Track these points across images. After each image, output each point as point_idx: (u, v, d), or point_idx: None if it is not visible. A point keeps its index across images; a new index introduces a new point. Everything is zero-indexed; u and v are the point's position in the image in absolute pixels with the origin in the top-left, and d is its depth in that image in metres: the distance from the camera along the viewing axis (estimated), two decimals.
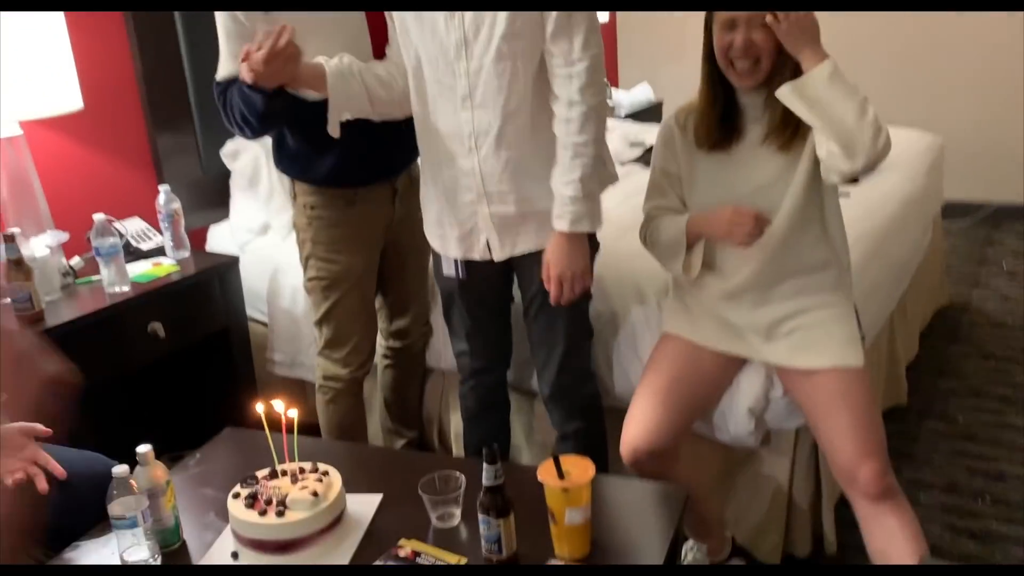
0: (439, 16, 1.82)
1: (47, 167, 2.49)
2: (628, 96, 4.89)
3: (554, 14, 1.79)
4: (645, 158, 3.33)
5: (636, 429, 1.89)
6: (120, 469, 1.56)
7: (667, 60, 5.29)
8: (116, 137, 2.76)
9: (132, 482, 1.56)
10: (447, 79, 1.86)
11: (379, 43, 2.08)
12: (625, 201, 2.75)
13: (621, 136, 3.73)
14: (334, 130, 1.95)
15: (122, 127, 2.78)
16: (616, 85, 5.29)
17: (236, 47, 1.92)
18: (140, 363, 2.40)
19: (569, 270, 1.87)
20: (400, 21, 1.93)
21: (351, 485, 1.68)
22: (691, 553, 2.06)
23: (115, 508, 1.55)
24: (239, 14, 1.97)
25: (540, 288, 1.94)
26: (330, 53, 1.95)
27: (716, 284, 1.92)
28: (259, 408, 1.63)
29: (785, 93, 1.69)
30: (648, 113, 4.78)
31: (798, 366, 1.86)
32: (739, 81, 1.78)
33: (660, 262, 1.99)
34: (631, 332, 2.23)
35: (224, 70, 2.03)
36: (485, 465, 1.47)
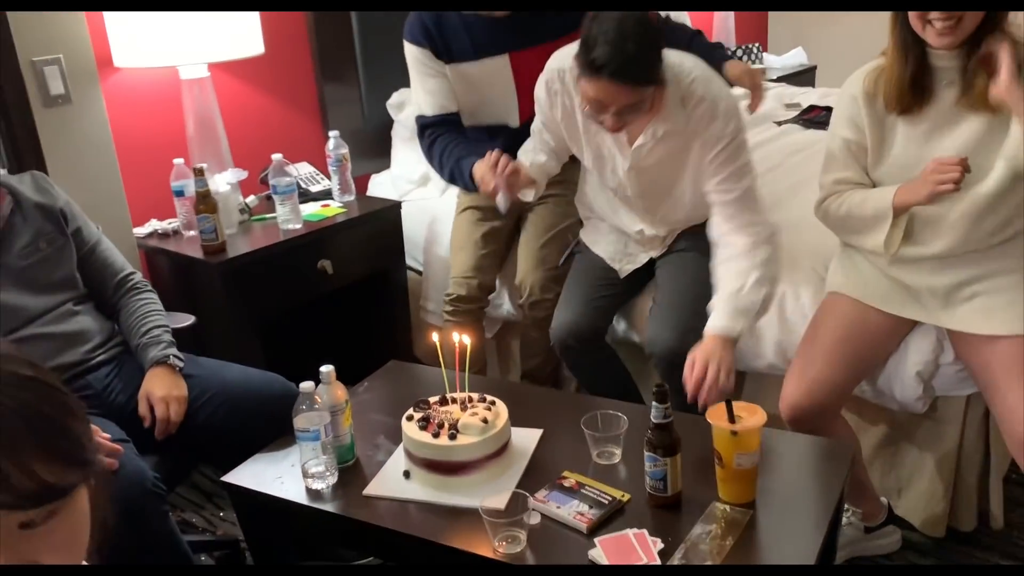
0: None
1: (228, 108, 2.64)
2: (779, 60, 4.76)
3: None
4: (803, 119, 3.23)
5: (797, 385, 1.86)
6: (307, 385, 1.66)
7: (819, 23, 5.10)
8: (290, 84, 2.91)
9: (317, 397, 1.66)
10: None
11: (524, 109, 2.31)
12: (786, 159, 2.68)
13: (775, 97, 3.62)
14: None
15: (295, 75, 2.92)
16: (766, 49, 5.14)
17: (432, 85, 2.31)
18: (309, 297, 2.53)
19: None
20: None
21: (514, 419, 1.73)
22: (845, 516, 2.02)
23: (300, 421, 1.65)
24: (430, 59, 2.29)
25: None
26: (484, 106, 2.34)
27: (909, 251, 1.85)
28: (434, 337, 1.70)
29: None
30: (800, 77, 4.63)
31: (979, 331, 1.78)
32: (937, 40, 1.68)
33: (850, 237, 1.93)
34: (782, 296, 2.18)
35: (427, 107, 2.34)
36: (654, 403, 1.49)
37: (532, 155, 2.14)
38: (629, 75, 1.73)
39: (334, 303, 2.76)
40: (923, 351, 1.95)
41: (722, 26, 4.72)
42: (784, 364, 2.16)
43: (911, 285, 1.87)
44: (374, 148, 3.16)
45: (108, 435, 1.65)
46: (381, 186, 3.10)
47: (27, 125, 2.16)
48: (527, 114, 2.27)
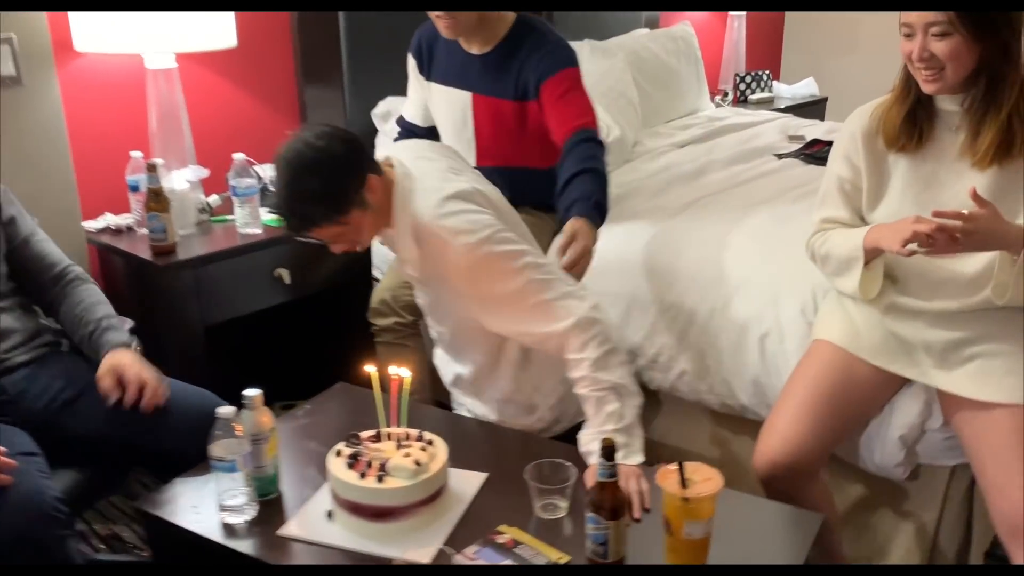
0: None
1: (195, 103, 2.51)
2: (789, 89, 4.62)
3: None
4: (804, 153, 3.08)
5: (777, 440, 1.71)
6: (226, 410, 1.52)
7: (835, 54, 4.97)
8: (264, 81, 2.77)
9: (236, 425, 1.52)
10: None
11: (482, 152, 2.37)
12: (781, 195, 2.54)
13: (779, 128, 3.49)
14: None
15: (271, 71, 2.79)
16: (777, 77, 5.00)
17: (412, 94, 2.51)
18: (263, 306, 2.39)
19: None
20: None
21: (456, 459, 1.59)
22: None
23: (216, 449, 1.51)
24: (415, 71, 2.45)
25: None
26: (450, 133, 2.40)
27: (906, 301, 1.73)
28: (369, 368, 1.56)
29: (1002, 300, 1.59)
30: (809, 108, 4.49)
31: (975, 397, 1.64)
32: (926, 86, 1.62)
33: (831, 279, 1.82)
34: (766, 339, 2.04)
35: (406, 111, 2.56)
36: (601, 459, 1.35)
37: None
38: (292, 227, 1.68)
39: (295, 313, 2.62)
40: (909, 413, 1.80)
41: (733, 52, 4.59)
42: (760, 408, 2.03)
43: (906, 339, 1.73)
44: None
45: (3, 448, 1.51)
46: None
47: None
48: (485, 159, 2.34)
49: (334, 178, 1.60)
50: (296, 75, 2.85)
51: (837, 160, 1.79)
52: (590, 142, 2.10)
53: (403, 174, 1.70)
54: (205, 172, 2.39)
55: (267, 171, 2.65)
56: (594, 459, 1.55)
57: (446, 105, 2.37)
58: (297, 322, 2.72)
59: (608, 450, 1.34)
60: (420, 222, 1.66)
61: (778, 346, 1.99)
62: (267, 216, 2.44)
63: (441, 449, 1.55)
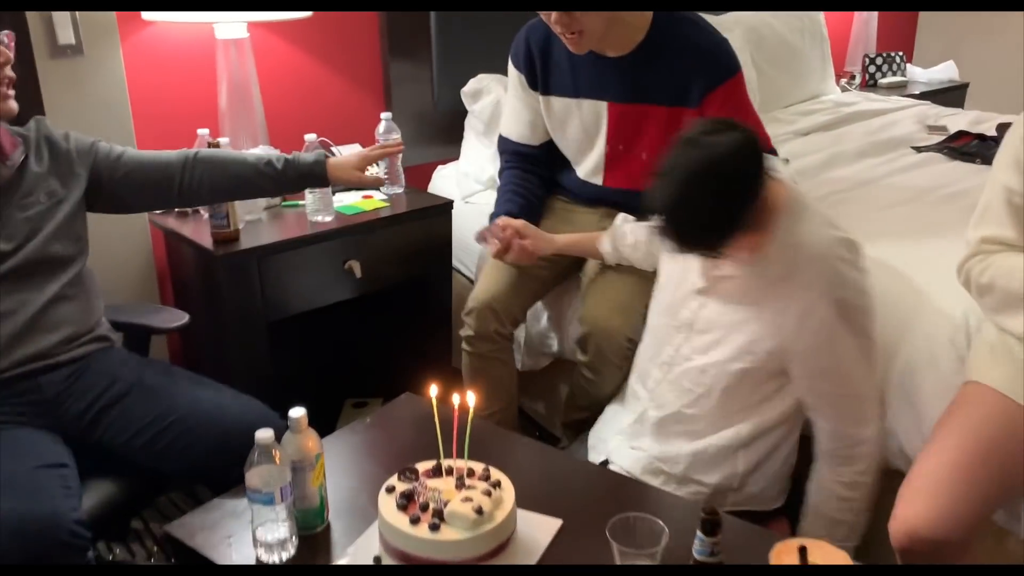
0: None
1: (268, 77, 2.33)
2: (925, 74, 4.17)
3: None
4: (948, 146, 2.70)
5: (921, 507, 1.39)
6: (264, 435, 1.31)
7: (974, 35, 4.46)
8: (347, 54, 2.57)
9: (276, 452, 1.32)
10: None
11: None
12: (923, 195, 2.20)
13: (916, 116, 3.11)
14: None
15: (355, 44, 2.58)
16: (911, 60, 4.54)
17: (518, 110, 2.12)
18: (329, 301, 2.20)
19: None
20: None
21: (527, 500, 1.36)
22: None
23: (253, 478, 1.31)
24: (524, 85, 2.07)
25: None
26: (579, 138, 2.05)
27: None
28: (432, 391, 1.33)
29: None
30: (948, 95, 4.03)
31: None
32: None
33: (990, 313, 1.51)
34: (907, 372, 1.72)
35: (509, 129, 2.17)
36: (699, 535, 1.09)
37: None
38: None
39: (369, 305, 2.43)
40: None
41: (863, 31, 4.17)
42: (896, 457, 1.71)
43: None
44: (444, 135, 2.82)
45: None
46: (446, 180, 2.75)
47: (27, 75, 1.89)
48: (616, 179, 2.03)
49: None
50: (380, 49, 2.64)
51: (1005, 166, 1.47)
52: None
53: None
54: (275, 152, 2.20)
55: (347, 152, 2.46)
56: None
57: (576, 120, 2.03)
58: (371, 315, 2.53)
59: (711, 523, 1.08)
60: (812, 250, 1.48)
61: (921, 383, 1.67)
62: (345, 202, 2.24)
63: (508, 493, 1.31)
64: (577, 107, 2.01)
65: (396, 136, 2.34)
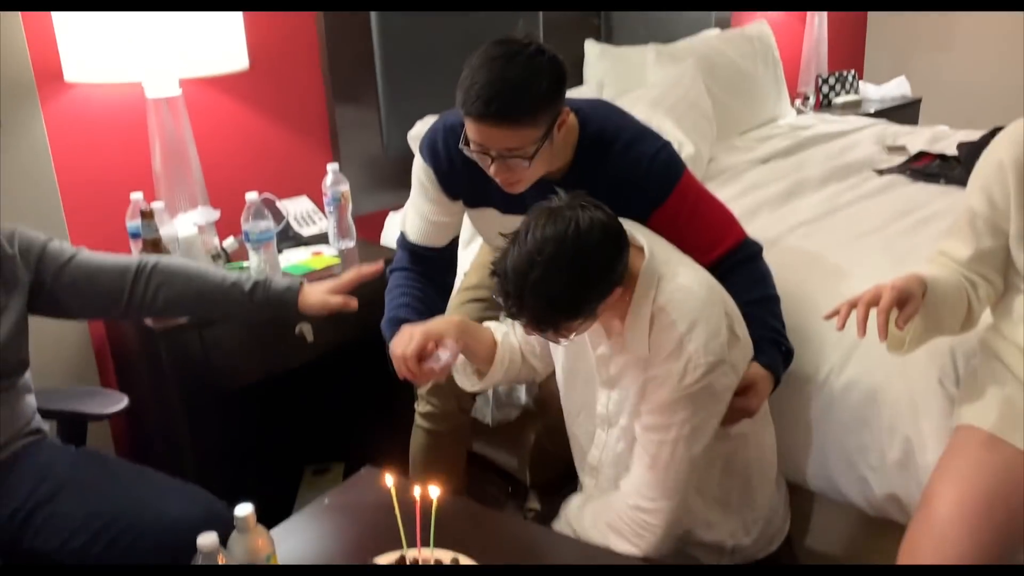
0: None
1: (205, 134, 2.21)
2: (878, 90, 4.17)
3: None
4: (910, 168, 2.65)
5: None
6: (206, 541, 1.18)
7: (926, 49, 4.48)
8: (286, 103, 2.44)
9: (221, 557, 1.19)
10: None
11: None
12: (894, 222, 2.13)
13: (873, 137, 3.06)
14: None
15: (295, 93, 2.46)
16: (862, 76, 4.54)
17: (425, 209, 1.80)
18: (282, 368, 2.07)
19: None
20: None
21: None
22: None
23: None
24: (429, 183, 1.76)
25: None
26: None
27: None
28: (388, 481, 1.22)
29: None
30: (901, 112, 4.02)
31: None
32: None
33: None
34: (896, 416, 1.63)
35: (410, 228, 1.85)
36: None
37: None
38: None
39: (325, 370, 2.30)
40: None
41: (813, 51, 4.15)
42: (889, 506, 1.62)
43: None
44: (395, 179, 2.70)
45: None
46: (397, 227, 2.62)
47: None
48: None
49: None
50: (325, 93, 2.53)
51: (973, 189, 1.46)
52: (748, 263, 1.63)
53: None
54: (215, 214, 2.09)
55: (295, 206, 2.35)
56: None
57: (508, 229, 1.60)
58: (330, 376, 2.40)
59: None
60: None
61: (911, 427, 1.58)
62: (293, 260, 2.13)
63: None
64: (506, 220, 1.70)
65: (343, 188, 2.24)
